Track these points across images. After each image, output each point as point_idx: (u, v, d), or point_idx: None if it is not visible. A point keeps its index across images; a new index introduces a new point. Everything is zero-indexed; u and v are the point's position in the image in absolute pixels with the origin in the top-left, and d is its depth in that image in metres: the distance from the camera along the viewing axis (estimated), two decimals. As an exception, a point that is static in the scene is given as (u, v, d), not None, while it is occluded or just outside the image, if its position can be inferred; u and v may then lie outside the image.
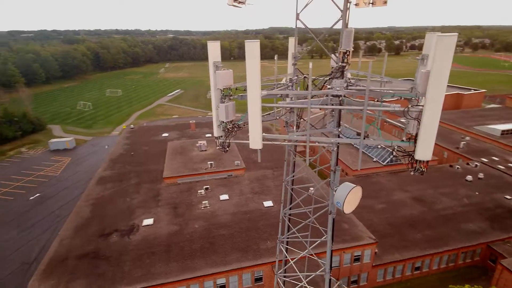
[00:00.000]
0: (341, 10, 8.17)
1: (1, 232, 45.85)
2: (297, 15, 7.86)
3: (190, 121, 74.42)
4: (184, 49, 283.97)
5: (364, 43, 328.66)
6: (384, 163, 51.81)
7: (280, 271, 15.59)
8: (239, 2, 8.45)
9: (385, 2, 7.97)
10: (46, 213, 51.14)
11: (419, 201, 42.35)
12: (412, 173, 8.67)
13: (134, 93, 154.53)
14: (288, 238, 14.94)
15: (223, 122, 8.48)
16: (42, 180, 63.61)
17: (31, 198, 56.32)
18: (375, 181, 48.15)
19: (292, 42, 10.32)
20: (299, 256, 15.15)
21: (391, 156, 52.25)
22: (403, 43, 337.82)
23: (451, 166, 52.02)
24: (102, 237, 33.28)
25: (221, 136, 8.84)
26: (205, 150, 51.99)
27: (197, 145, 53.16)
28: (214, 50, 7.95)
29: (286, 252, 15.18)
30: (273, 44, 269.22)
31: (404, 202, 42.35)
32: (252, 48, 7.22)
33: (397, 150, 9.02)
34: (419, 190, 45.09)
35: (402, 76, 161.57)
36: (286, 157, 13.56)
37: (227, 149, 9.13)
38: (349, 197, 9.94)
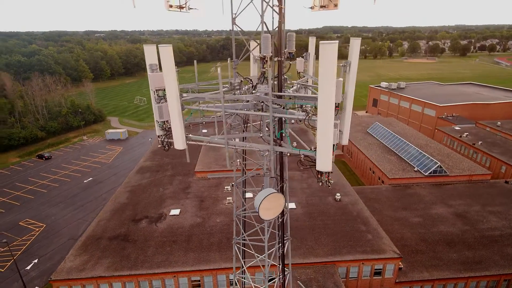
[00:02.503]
0: (260, 15, 7.95)
1: (56, 209, 52.12)
2: (233, 19, 7.86)
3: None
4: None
5: (426, 42, 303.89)
6: (426, 174, 47.80)
7: (238, 272, 15.49)
8: (180, 7, 8.68)
9: (336, 5, 7.62)
10: (95, 196, 56.83)
11: (461, 218, 38.36)
12: (320, 184, 8.14)
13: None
14: (244, 240, 14.76)
15: (157, 121, 8.86)
16: (96, 166, 70.67)
17: (85, 181, 63.01)
18: (413, 192, 44.74)
19: (252, 44, 10.27)
20: (250, 264, 14.89)
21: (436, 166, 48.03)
22: (471, 43, 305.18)
23: (507, 182, 46.10)
24: (133, 222, 36.02)
25: (162, 135, 9.23)
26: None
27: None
28: (150, 53, 8.34)
29: (243, 254, 15.02)
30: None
31: (444, 217, 38.70)
32: (166, 53, 7.48)
33: (304, 160, 8.53)
34: (464, 206, 40.82)
35: (467, 80, 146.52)
36: (234, 159, 13.59)
37: (168, 147, 9.48)
38: (265, 203, 9.56)
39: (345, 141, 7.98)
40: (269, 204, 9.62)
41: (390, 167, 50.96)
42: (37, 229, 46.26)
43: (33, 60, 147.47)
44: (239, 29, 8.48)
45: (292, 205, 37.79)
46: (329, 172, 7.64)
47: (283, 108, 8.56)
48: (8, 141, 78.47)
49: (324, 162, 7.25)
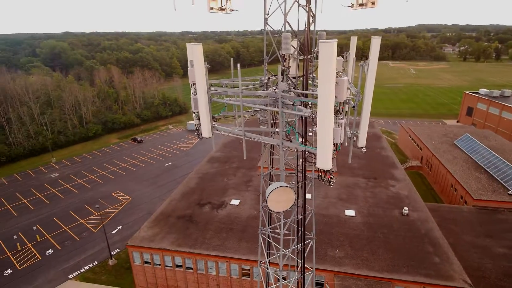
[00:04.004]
0: (284, 14, 8.06)
1: (140, 186, 60.13)
2: (265, 19, 8.25)
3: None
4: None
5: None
6: (524, 199, 40.27)
7: (263, 261, 15.72)
8: (221, 9, 9.41)
9: (373, 3, 7.45)
10: (172, 178, 63.70)
11: None
12: (323, 182, 7.81)
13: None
14: (268, 232, 14.86)
15: (193, 112, 9.81)
16: (176, 152, 78.84)
17: (166, 164, 71.01)
18: (503, 218, 38.30)
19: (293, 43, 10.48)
20: (270, 258, 14.87)
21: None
22: None
23: None
24: (198, 206, 39.47)
25: (198, 124, 10.20)
26: (304, 148, 52.95)
27: (298, 142, 54.70)
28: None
29: (268, 245, 15.16)
30: (414, 44, 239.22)
31: (541, 253, 32.26)
32: (196, 50, 8.29)
33: (308, 156, 8.26)
34: None
35: None
36: (263, 152, 13.73)
37: (202, 136, 10.40)
38: (274, 195, 9.59)
39: (361, 143, 7.81)
40: (278, 197, 9.97)
41: (477, 186, 44.40)
42: (125, 201, 54.27)
43: (137, 57, 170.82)
44: (270, 29, 9.02)
45: (351, 213, 36.28)
46: (329, 171, 7.62)
47: (293, 104, 8.77)
48: (111, 124, 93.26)
49: (324, 160, 7.26)
